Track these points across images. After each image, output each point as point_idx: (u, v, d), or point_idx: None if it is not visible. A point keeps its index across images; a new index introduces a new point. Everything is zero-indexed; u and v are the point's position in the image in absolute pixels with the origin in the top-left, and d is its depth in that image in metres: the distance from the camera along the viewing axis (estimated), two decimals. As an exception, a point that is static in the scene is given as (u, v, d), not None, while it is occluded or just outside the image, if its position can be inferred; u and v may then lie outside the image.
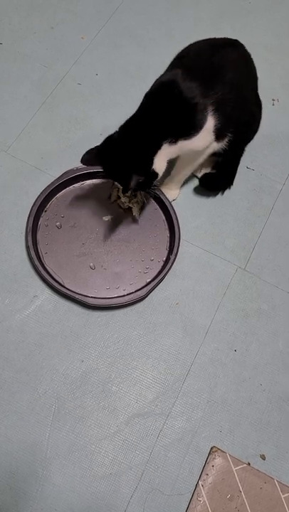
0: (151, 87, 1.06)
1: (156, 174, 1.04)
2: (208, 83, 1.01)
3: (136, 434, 1.02)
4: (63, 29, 1.50)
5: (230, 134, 1.10)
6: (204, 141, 1.05)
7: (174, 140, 1.00)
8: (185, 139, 1.01)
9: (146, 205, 1.22)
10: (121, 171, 1.01)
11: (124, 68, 1.44)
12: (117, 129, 1.03)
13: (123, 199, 1.20)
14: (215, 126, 1.04)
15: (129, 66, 1.45)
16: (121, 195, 1.20)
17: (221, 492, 0.97)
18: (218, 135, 1.07)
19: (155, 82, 1.07)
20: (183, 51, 1.12)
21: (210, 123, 1.02)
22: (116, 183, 1.19)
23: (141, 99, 1.05)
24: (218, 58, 1.05)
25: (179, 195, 1.24)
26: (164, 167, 1.06)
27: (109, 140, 1.03)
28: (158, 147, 1.00)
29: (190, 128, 1.01)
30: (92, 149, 1.04)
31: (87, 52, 1.46)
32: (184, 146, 1.02)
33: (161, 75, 1.07)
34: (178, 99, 1.00)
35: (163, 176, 1.23)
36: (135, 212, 1.20)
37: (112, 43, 1.48)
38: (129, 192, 1.18)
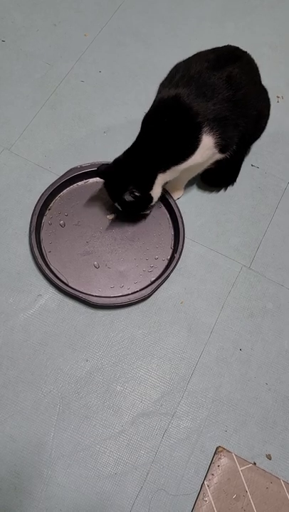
0: (152, 105, 1.07)
1: (152, 198, 1.09)
2: (205, 103, 1.01)
3: (141, 434, 1.01)
4: (66, 26, 1.49)
5: (234, 146, 1.10)
6: (202, 157, 1.06)
7: (167, 169, 1.05)
8: (180, 164, 1.04)
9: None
10: (119, 184, 1.07)
11: (127, 66, 1.43)
12: (123, 152, 1.08)
13: None
14: (216, 143, 1.05)
15: (132, 64, 1.44)
16: None
17: (227, 492, 0.96)
18: (222, 149, 1.08)
19: (155, 100, 1.08)
20: (184, 64, 1.11)
21: (207, 141, 1.03)
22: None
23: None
24: (219, 78, 1.04)
25: (182, 194, 1.24)
26: (160, 193, 1.11)
27: (116, 161, 1.08)
28: (155, 177, 1.06)
29: (185, 150, 1.03)
30: (107, 164, 1.10)
31: (91, 49, 1.45)
32: (181, 167, 1.05)
33: (162, 93, 1.08)
34: (173, 121, 1.01)
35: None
36: None
37: (115, 40, 1.48)
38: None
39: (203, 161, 1.07)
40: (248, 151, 1.24)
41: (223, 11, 1.56)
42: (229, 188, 1.27)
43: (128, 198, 1.06)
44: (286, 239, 1.22)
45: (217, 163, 1.21)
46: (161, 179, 1.07)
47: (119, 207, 1.12)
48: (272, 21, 1.56)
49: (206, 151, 1.05)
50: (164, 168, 1.05)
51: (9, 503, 0.94)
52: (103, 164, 1.11)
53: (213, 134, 1.03)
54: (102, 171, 1.10)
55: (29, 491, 0.95)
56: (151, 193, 1.08)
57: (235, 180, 1.27)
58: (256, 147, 1.28)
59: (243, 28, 1.53)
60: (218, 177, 1.26)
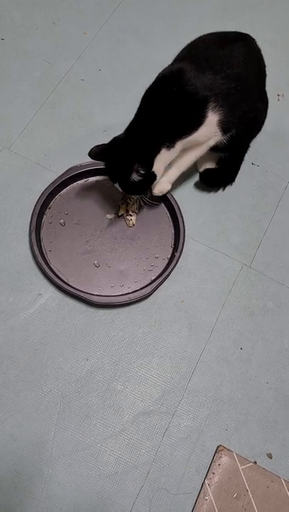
0: (154, 81, 1.06)
1: (155, 176, 1.05)
2: (213, 76, 1.00)
3: (141, 433, 1.01)
4: (65, 25, 1.48)
5: (233, 130, 1.08)
6: (206, 134, 1.04)
7: (172, 144, 1.02)
8: (184, 138, 1.02)
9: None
10: (123, 163, 1.03)
11: (127, 64, 1.43)
12: (124, 131, 1.05)
13: (130, 217, 1.19)
14: (219, 120, 1.03)
15: (132, 62, 1.43)
16: (130, 209, 1.18)
17: (228, 491, 0.96)
18: (223, 128, 1.06)
19: (157, 76, 1.06)
20: (191, 43, 1.11)
21: (213, 116, 1.02)
22: (123, 198, 1.19)
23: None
24: (225, 53, 1.03)
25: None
26: (162, 171, 1.08)
27: (115, 140, 1.05)
28: (157, 151, 1.02)
29: (190, 123, 1.01)
30: (100, 145, 1.06)
31: (90, 48, 1.45)
32: (185, 141, 1.02)
33: (164, 69, 1.07)
34: (178, 93, 1.00)
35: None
36: (134, 221, 1.19)
37: (115, 38, 1.47)
38: (133, 195, 1.16)
39: (203, 139, 1.05)
40: (248, 150, 1.24)
41: (224, 9, 1.56)
42: (229, 187, 1.27)
43: (136, 177, 1.01)
44: (287, 238, 1.22)
45: (218, 162, 1.21)
46: (165, 155, 1.03)
47: (119, 188, 1.07)
48: (272, 19, 1.56)
49: (210, 128, 1.03)
50: (168, 143, 1.01)
51: (10, 502, 0.94)
52: (97, 146, 1.06)
53: (218, 111, 1.01)
54: (99, 151, 1.05)
55: (30, 490, 0.95)
56: (154, 170, 1.04)
57: (234, 180, 1.26)
58: (256, 145, 1.28)
59: (244, 25, 1.51)
60: (217, 177, 1.25)
